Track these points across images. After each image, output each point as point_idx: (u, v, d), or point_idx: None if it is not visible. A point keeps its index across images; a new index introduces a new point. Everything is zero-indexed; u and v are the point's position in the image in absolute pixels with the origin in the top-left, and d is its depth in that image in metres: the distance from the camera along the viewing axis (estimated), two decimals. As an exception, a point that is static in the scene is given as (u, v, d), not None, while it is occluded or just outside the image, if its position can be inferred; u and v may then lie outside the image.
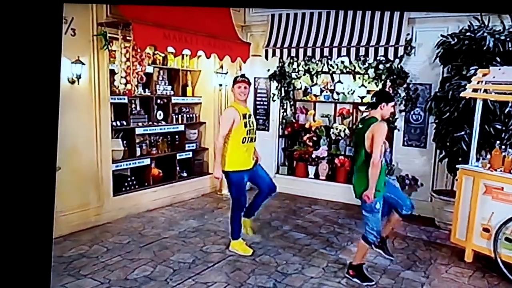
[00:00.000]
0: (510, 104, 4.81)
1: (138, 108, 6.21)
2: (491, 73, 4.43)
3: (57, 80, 2.12)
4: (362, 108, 6.62)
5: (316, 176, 7.03)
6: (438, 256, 4.61)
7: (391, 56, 5.82)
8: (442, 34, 5.37)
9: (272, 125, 7.27)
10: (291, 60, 6.88)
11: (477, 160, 4.57)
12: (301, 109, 7.39)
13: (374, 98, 3.79)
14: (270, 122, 7.27)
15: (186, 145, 6.76)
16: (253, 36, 7.08)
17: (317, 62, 6.78)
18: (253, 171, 4.42)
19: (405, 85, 5.96)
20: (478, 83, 4.52)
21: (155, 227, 5.23)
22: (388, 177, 5.82)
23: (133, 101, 6.08)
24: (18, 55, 2.04)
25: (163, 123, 6.44)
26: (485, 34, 4.93)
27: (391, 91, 5.98)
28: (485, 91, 4.49)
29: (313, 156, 6.95)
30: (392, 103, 3.81)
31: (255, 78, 7.25)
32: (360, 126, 3.75)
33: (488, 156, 4.62)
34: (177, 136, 6.71)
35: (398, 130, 6.12)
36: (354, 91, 6.83)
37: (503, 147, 4.42)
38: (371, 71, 6.31)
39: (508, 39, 4.90)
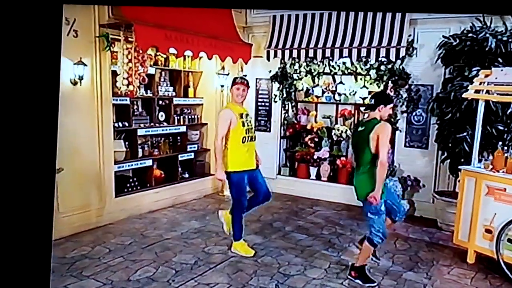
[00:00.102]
0: (512, 105, 4.81)
1: (140, 109, 6.22)
2: (493, 74, 4.43)
3: (57, 81, 2.13)
4: (363, 109, 6.62)
5: (318, 177, 7.03)
6: (440, 257, 4.60)
7: (392, 57, 5.82)
8: (444, 35, 5.37)
9: (273, 126, 7.27)
10: (293, 61, 6.88)
11: (479, 161, 4.57)
12: (303, 110, 7.39)
13: (373, 100, 3.79)
14: (272, 123, 7.28)
15: (188, 146, 6.76)
16: (254, 37, 7.09)
17: (319, 63, 6.78)
18: (253, 175, 4.42)
19: (406, 86, 5.96)
20: (480, 84, 4.51)
21: (157, 228, 5.23)
22: (390, 178, 5.83)
23: (135, 102, 6.09)
24: (18, 56, 2.04)
25: (165, 124, 6.44)
26: (487, 35, 4.93)
27: (392, 92, 5.98)
28: (487, 92, 4.49)
29: (315, 157, 6.95)
30: (391, 105, 3.81)
31: (256, 79, 7.26)
32: (362, 128, 3.74)
33: (490, 157, 4.62)
34: (179, 137, 6.71)
35: (400, 131, 6.12)
36: (355, 92, 6.83)
37: (506, 148, 4.43)
38: (372, 72, 6.30)
39: (510, 40, 4.90)
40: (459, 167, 4.76)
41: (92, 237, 4.83)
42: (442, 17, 5.49)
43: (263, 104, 7.32)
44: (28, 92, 2.07)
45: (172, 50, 5.43)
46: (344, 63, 6.64)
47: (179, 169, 6.60)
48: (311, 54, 6.40)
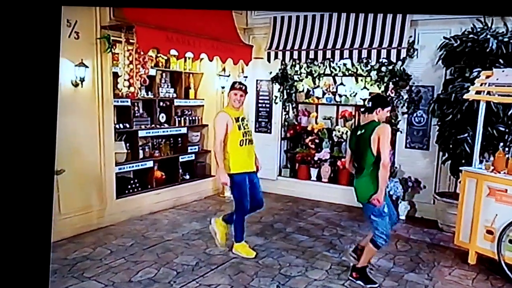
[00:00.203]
0: (513, 106, 4.82)
1: (140, 110, 6.22)
2: (495, 75, 4.43)
3: (56, 83, 2.13)
4: (362, 110, 6.61)
5: (319, 178, 7.04)
6: (442, 258, 4.60)
7: (393, 58, 5.83)
8: (445, 36, 5.38)
9: (274, 128, 7.28)
10: (293, 63, 6.88)
11: (481, 162, 4.57)
12: (303, 111, 7.39)
13: (370, 103, 3.79)
14: (272, 124, 7.28)
15: (189, 148, 6.76)
16: (255, 38, 7.10)
17: (319, 64, 6.78)
18: (252, 180, 4.42)
19: (407, 88, 5.96)
20: (481, 85, 4.51)
21: (158, 230, 5.23)
22: (391, 179, 5.83)
23: (136, 104, 6.09)
24: (16, 57, 2.05)
25: (166, 125, 6.45)
26: (488, 36, 4.94)
27: (393, 93, 5.98)
28: (488, 93, 4.49)
29: (315, 158, 6.95)
30: (388, 108, 3.81)
31: (257, 80, 7.27)
32: (362, 131, 3.74)
33: (492, 158, 4.62)
34: (179, 139, 6.71)
35: (401, 132, 6.12)
36: (356, 93, 6.83)
37: (507, 149, 4.42)
38: (373, 74, 6.30)
39: (511, 41, 4.90)
40: (460, 168, 4.77)
41: (93, 239, 4.83)
42: (443, 18, 5.50)
43: (263, 105, 7.33)
44: (27, 93, 2.07)
45: (173, 52, 5.45)
46: (344, 64, 6.64)
47: (180, 170, 6.60)
48: (311, 55, 6.41)
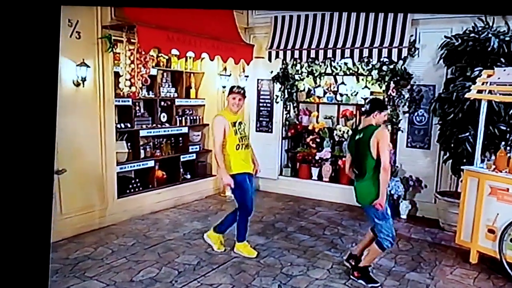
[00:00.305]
0: (514, 105, 4.81)
1: (142, 110, 6.22)
2: (496, 74, 4.43)
3: (55, 83, 2.13)
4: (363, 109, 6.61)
5: (320, 177, 7.03)
6: (443, 257, 4.60)
7: (394, 57, 5.83)
8: (446, 35, 5.38)
9: (275, 127, 7.27)
10: (294, 62, 6.87)
11: (482, 161, 4.56)
12: (304, 110, 7.40)
13: (368, 106, 3.80)
14: (273, 124, 7.28)
15: (190, 147, 6.77)
16: (256, 38, 7.09)
17: (320, 63, 6.77)
18: (250, 181, 4.42)
19: (408, 87, 5.96)
20: (482, 84, 4.51)
21: (160, 229, 5.24)
22: (392, 178, 5.82)
23: (137, 104, 6.09)
24: (16, 57, 2.04)
25: (167, 125, 6.45)
26: (490, 35, 4.93)
27: (394, 93, 5.98)
28: (490, 92, 4.48)
29: (317, 157, 6.95)
30: (385, 112, 3.82)
31: (258, 80, 7.27)
32: (361, 135, 3.73)
33: (493, 157, 4.62)
34: (180, 138, 6.71)
35: (402, 131, 6.11)
36: (357, 92, 6.83)
37: (508, 148, 4.42)
38: (374, 73, 6.30)
39: (512, 40, 4.90)
40: (462, 167, 4.77)
41: (95, 238, 4.83)
42: (444, 17, 5.48)
43: (264, 105, 7.33)
44: (27, 93, 2.07)
45: (174, 51, 5.44)
46: (345, 63, 6.64)
47: (181, 170, 6.60)
48: (312, 54, 6.41)
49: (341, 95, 6.96)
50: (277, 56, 6.73)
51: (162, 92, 6.40)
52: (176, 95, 6.62)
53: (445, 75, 5.62)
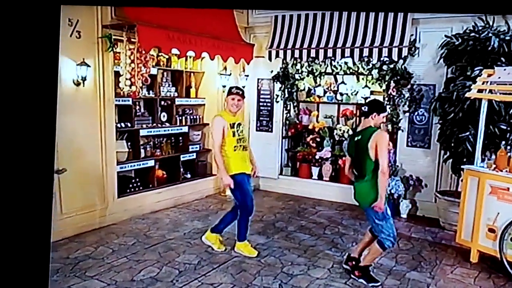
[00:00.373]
0: (515, 105, 4.81)
1: (142, 109, 6.22)
2: (496, 73, 4.43)
3: (55, 82, 2.12)
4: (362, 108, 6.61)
5: (320, 177, 7.03)
6: (444, 257, 4.60)
7: (395, 56, 5.83)
8: (446, 34, 5.38)
9: (275, 126, 7.27)
10: (295, 61, 6.88)
11: (482, 160, 4.57)
12: (305, 110, 7.40)
13: (366, 107, 3.80)
14: (274, 123, 7.27)
15: (190, 147, 6.76)
16: (256, 37, 7.09)
17: (321, 63, 6.77)
18: (248, 182, 4.43)
19: (409, 86, 5.95)
20: (483, 83, 4.51)
21: (160, 229, 5.24)
22: (392, 178, 5.83)
23: (137, 103, 6.09)
24: (16, 57, 2.04)
25: (167, 124, 6.45)
26: (490, 34, 4.94)
27: (395, 92, 5.98)
28: (490, 91, 4.48)
29: (317, 157, 6.95)
30: (384, 114, 3.82)
31: (258, 79, 7.27)
32: (359, 137, 3.74)
33: (493, 156, 4.62)
34: (180, 138, 6.71)
35: (402, 130, 6.11)
36: (357, 92, 6.83)
37: (508, 147, 4.42)
38: (374, 72, 6.30)
39: (513, 39, 4.90)
40: (462, 166, 4.77)
41: (95, 238, 4.83)
42: (444, 16, 5.48)
43: (265, 104, 7.33)
44: (26, 93, 2.07)
45: (174, 51, 5.44)
46: (346, 63, 6.64)
47: (181, 169, 6.60)
48: (313, 54, 6.41)
49: (341, 94, 6.96)
50: (277, 56, 6.73)
51: (162, 91, 6.39)
52: (176, 94, 6.61)
53: (446, 75, 5.62)
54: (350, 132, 6.67)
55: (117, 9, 4.97)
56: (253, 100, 7.31)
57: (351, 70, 6.72)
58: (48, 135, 2.11)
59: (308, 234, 5.19)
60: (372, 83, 6.56)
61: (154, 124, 6.21)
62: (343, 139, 6.79)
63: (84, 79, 4.76)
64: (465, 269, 4.29)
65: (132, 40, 4.96)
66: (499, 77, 4.37)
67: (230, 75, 6.83)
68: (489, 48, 4.88)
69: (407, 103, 5.99)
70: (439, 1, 2.19)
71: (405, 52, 5.77)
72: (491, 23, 5.13)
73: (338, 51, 6.20)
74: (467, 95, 4.64)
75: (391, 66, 6.01)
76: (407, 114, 6.06)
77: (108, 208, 5.29)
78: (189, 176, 6.76)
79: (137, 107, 6.11)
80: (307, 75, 7.10)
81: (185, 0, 2.40)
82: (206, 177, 6.95)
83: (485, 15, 5.14)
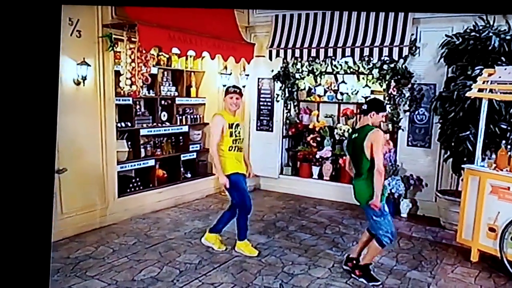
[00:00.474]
0: (515, 104, 4.81)
1: (142, 109, 6.21)
2: (497, 73, 4.43)
3: (56, 82, 2.12)
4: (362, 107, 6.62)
5: (320, 176, 7.03)
6: (444, 256, 4.60)
7: (395, 56, 5.83)
8: (447, 34, 5.38)
9: (276, 126, 7.27)
10: (295, 61, 6.86)
11: (483, 160, 4.57)
12: (305, 109, 7.39)
13: (366, 106, 3.81)
14: (274, 122, 7.27)
15: (190, 146, 6.76)
16: (257, 37, 7.09)
17: (321, 62, 6.76)
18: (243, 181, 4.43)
19: (409, 85, 5.95)
20: (483, 83, 4.51)
21: (161, 228, 5.24)
22: (393, 177, 5.83)
23: (137, 102, 6.08)
24: (16, 56, 2.04)
25: (167, 124, 6.45)
26: (490, 34, 4.94)
27: (395, 91, 5.98)
28: (491, 91, 4.48)
29: (317, 156, 6.95)
30: (383, 113, 3.84)
31: (259, 78, 7.27)
32: (356, 135, 3.75)
33: (494, 156, 4.62)
34: (181, 137, 6.71)
35: (403, 130, 6.11)
36: (358, 91, 6.83)
37: (509, 146, 4.42)
38: (375, 72, 6.29)
39: (513, 39, 4.90)
40: (463, 166, 4.77)
41: (96, 237, 4.83)
42: (445, 16, 5.48)
43: (265, 103, 7.32)
44: (27, 92, 2.07)
45: (175, 50, 5.44)
46: (346, 62, 6.63)
47: (182, 169, 6.60)
48: (313, 53, 6.41)
49: (342, 94, 6.96)
50: (277, 55, 6.73)
51: (163, 91, 6.39)
52: (176, 94, 6.61)
53: (446, 74, 5.61)
54: (350, 131, 6.67)
55: (118, 9, 4.97)
56: (254, 100, 7.31)
57: (351, 70, 6.72)
58: (49, 135, 2.11)
59: (308, 234, 5.19)
60: (373, 83, 6.56)
61: (155, 124, 6.21)
62: (344, 138, 6.78)
63: (84, 78, 4.76)
64: (466, 268, 4.29)
65: (133, 39, 4.96)
66: (500, 77, 4.37)
67: (230, 74, 6.83)
68: (490, 48, 4.88)
69: (408, 102, 5.98)
70: (440, 1, 2.19)
71: (405, 51, 5.77)
72: (491, 23, 5.13)
73: (339, 51, 6.21)
74: (467, 94, 4.64)
75: (392, 65, 6.00)
76: (408, 113, 6.05)
77: (108, 207, 5.29)
78: (189, 175, 6.76)
79: (138, 107, 6.11)
80: (308, 75, 7.10)
81: (186, -1, 2.40)
82: (206, 177, 6.94)
83: (485, 15, 5.14)
